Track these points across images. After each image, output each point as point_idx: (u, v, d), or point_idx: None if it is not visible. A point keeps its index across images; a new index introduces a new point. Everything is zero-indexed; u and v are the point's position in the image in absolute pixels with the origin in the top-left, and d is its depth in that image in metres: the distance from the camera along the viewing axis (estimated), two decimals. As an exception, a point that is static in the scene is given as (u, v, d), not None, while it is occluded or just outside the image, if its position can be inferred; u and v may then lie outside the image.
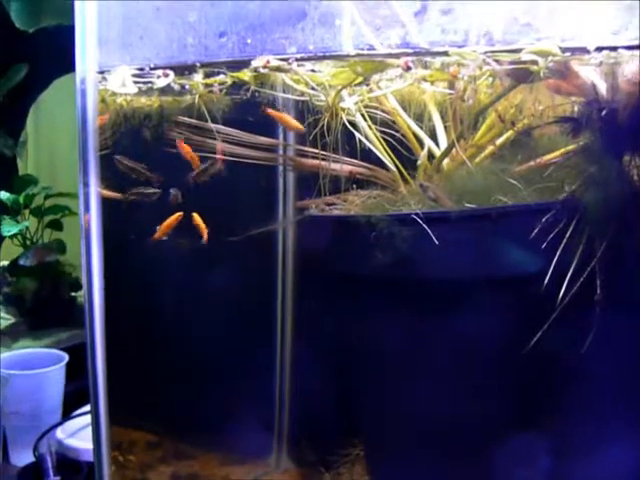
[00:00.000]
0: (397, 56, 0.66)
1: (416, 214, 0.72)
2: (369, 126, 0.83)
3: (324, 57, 0.69)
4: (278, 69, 0.71)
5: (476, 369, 0.78)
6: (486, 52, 0.65)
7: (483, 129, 0.85)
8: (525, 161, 0.80)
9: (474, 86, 0.69)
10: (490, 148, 0.84)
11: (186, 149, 0.93)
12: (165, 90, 0.93)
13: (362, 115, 0.81)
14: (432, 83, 0.80)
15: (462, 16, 0.65)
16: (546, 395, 0.77)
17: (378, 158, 0.87)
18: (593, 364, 0.72)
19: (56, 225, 1.73)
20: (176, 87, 0.93)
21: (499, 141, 0.84)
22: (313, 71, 0.75)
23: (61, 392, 1.30)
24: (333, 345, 0.96)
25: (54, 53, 1.70)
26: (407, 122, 0.86)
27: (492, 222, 0.72)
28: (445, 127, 0.88)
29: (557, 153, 0.77)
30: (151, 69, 0.82)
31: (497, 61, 0.66)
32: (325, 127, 0.81)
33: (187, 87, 0.95)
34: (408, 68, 0.66)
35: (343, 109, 0.77)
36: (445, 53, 0.66)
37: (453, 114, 0.83)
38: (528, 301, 0.72)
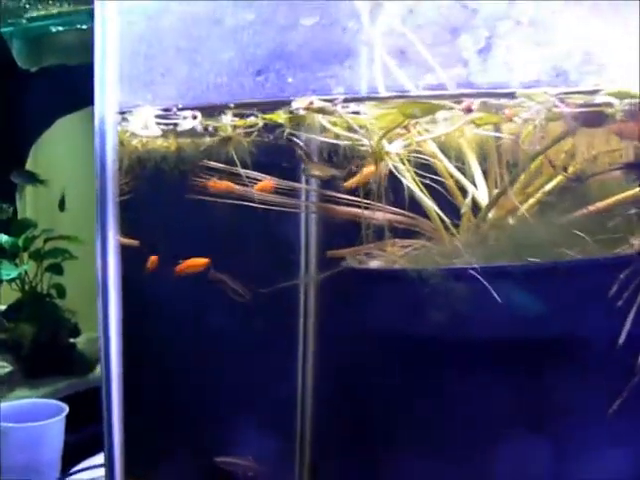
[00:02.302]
0: (457, 97, 0.61)
1: (473, 268, 0.65)
2: (413, 172, 0.76)
3: (378, 98, 0.63)
4: (322, 111, 0.65)
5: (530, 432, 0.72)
6: (558, 94, 0.59)
7: (528, 175, 0.79)
8: (579, 209, 0.74)
9: (541, 131, 0.63)
10: (539, 195, 0.78)
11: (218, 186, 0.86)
12: (183, 132, 0.88)
13: (407, 161, 0.74)
14: (479, 126, 0.74)
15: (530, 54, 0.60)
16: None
17: (418, 205, 0.80)
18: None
19: (56, 269, 1.67)
20: (199, 128, 0.88)
21: (548, 187, 0.78)
22: (356, 113, 0.69)
23: (61, 444, 1.25)
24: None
25: (56, 93, 1.67)
26: (448, 168, 0.80)
27: (558, 277, 0.66)
28: (484, 172, 0.82)
29: (617, 199, 0.71)
30: (179, 110, 0.76)
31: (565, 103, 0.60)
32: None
33: (210, 129, 0.90)
34: (469, 110, 0.60)
35: (388, 154, 0.71)
36: (512, 94, 0.60)
37: (499, 160, 0.77)
38: (599, 363, 0.66)
